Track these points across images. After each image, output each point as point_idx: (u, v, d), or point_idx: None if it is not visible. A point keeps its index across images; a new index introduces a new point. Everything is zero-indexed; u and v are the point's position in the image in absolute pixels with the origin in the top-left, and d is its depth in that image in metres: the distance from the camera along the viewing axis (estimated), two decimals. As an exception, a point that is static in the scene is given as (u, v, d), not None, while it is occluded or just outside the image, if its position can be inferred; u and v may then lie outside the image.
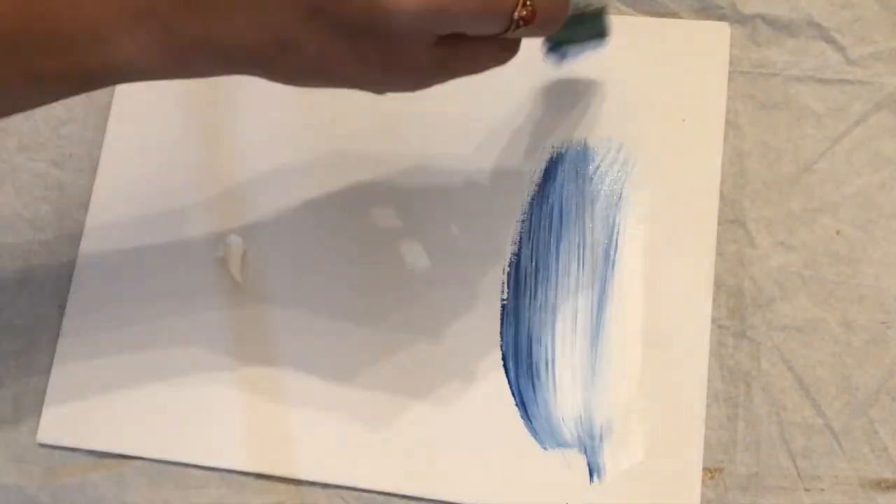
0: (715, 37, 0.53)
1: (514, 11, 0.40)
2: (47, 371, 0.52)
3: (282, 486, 0.50)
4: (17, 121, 0.56)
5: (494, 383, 0.50)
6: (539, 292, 0.51)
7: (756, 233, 0.51)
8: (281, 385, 0.51)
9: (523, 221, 0.52)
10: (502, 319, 0.51)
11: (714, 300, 0.50)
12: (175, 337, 0.52)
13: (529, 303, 0.51)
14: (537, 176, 0.52)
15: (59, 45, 0.40)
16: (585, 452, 0.48)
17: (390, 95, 0.43)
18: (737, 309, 0.50)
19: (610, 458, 0.48)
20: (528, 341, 0.50)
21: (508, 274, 0.51)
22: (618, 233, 0.51)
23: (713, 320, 0.49)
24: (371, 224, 0.53)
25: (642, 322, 0.50)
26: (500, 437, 0.49)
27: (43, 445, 0.51)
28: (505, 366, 0.50)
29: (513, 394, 0.50)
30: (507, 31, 0.40)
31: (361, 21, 0.38)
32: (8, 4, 0.40)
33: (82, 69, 0.41)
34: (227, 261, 0.53)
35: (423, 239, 0.52)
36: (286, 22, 0.38)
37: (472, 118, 0.54)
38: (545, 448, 0.49)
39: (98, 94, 0.56)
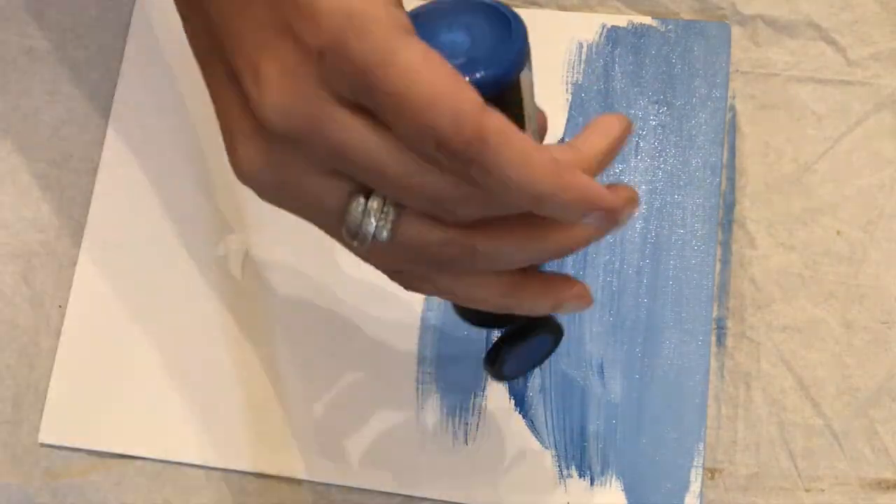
0: (715, 37, 0.53)
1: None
2: (48, 371, 0.52)
3: (282, 486, 0.50)
4: (17, 121, 0.56)
5: (493, 384, 0.50)
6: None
7: (756, 233, 0.51)
8: (281, 385, 0.51)
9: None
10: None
11: (714, 300, 0.50)
12: (176, 337, 0.52)
13: None
14: None
15: None
16: (586, 452, 0.48)
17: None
18: (737, 309, 0.50)
19: (611, 458, 0.48)
20: None
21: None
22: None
23: (713, 321, 0.49)
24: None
25: (643, 323, 0.50)
26: (501, 437, 0.49)
27: (44, 445, 0.51)
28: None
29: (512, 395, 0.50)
30: None
31: None
32: None
33: None
34: (228, 260, 0.53)
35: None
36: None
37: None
38: (546, 447, 0.49)
39: (98, 95, 0.56)
